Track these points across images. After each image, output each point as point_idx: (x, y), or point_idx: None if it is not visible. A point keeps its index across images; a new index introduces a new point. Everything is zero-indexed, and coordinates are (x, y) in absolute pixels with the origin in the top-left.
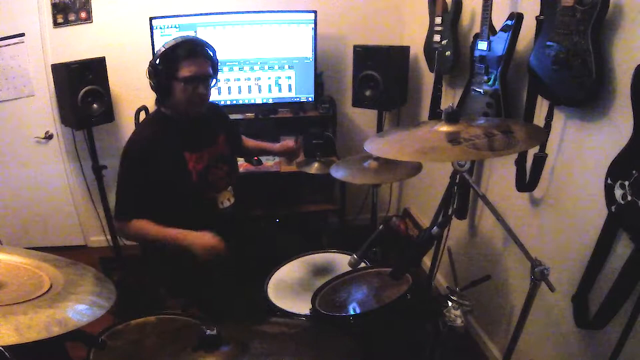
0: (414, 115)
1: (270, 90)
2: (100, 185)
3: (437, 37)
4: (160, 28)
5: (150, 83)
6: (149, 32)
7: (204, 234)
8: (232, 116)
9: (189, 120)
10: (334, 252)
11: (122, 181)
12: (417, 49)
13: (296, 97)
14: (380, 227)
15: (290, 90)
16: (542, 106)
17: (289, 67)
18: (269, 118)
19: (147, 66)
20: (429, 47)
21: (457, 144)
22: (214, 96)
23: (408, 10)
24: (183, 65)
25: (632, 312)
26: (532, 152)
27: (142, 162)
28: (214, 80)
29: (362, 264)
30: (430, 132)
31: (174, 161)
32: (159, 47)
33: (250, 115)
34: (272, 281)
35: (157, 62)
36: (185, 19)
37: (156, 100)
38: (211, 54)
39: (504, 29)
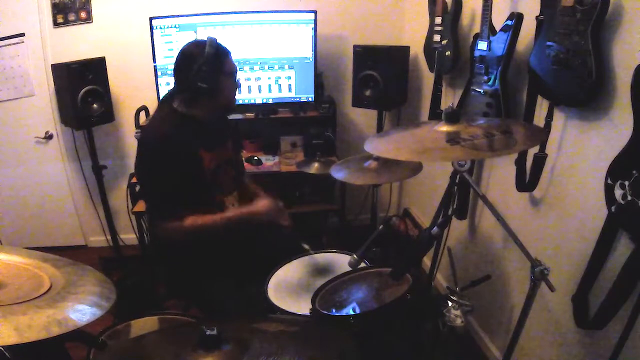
0: (414, 115)
1: (270, 90)
2: (100, 185)
3: (437, 37)
4: (160, 28)
5: (199, 85)
6: (149, 32)
7: (262, 200)
8: (232, 116)
9: (206, 119)
10: (334, 252)
11: (157, 180)
12: (417, 49)
13: (296, 97)
14: (380, 227)
15: (290, 90)
16: (542, 106)
17: (289, 67)
18: (269, 118)
19: (195, 69)
20: (429, 47)
21: (456, 143)
22: None
23: (408, 10)
24: (225, 60)
25: (632, 312)
26: (532, 152)
27: (170, 157)
28: None
29: (362, 264)
30: (430, 132)
31: (191, 158)
32: (159, 46)
33: (250, 115)
34: (272, 281)
35: (205, 62)
36: (185, 19)
37: (172, 99)
38: None
39: (504, 29)
